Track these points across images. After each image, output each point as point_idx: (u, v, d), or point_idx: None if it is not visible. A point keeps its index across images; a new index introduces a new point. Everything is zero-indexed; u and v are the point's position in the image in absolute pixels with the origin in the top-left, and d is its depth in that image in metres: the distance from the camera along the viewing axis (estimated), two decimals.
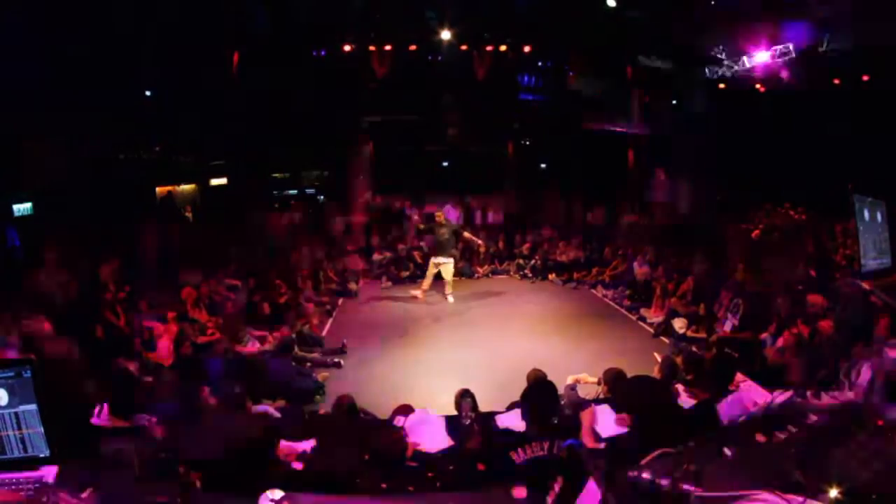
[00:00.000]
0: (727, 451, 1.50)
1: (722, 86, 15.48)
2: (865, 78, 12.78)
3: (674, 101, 15.62)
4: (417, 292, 10.23)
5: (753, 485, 1.39)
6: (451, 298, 10.16)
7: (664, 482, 1.36)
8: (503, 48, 13.74)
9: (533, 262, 12.29)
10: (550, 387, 3.64)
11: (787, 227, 13.07)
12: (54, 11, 8.89)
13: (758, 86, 14.82)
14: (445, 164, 17.59)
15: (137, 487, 2.17)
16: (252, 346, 7.24)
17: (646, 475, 1.40)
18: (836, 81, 13.08)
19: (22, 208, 10.90)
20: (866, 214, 2.64)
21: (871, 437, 1.60)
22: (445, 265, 10.06)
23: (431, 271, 10.19)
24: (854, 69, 12.23)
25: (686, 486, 1.35)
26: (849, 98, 12.81)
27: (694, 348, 6.93)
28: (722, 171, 14.61)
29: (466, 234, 10.75)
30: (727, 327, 7.47)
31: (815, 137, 13.62)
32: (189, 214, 15.23)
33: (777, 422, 1.76)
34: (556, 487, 1.93)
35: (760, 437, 1.61)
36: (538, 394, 3.43)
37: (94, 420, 2.79)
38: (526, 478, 2.33)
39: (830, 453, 1.50)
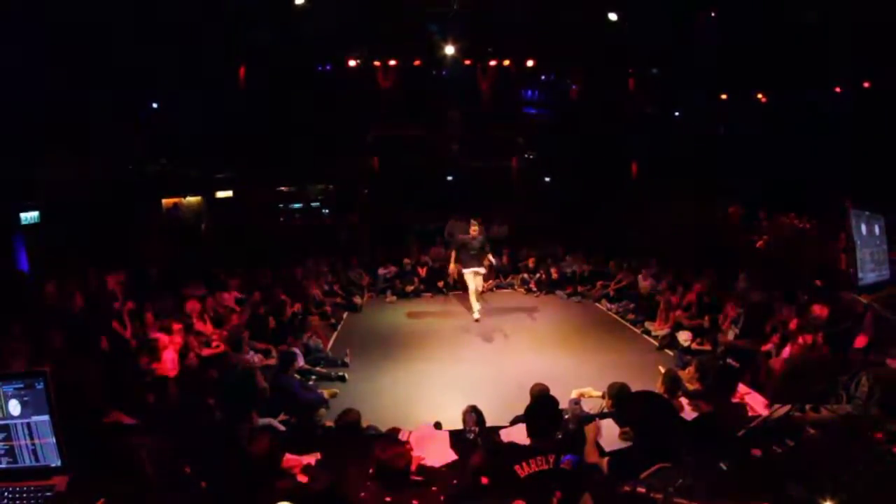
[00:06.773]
0: (722, 465, 1.52)
1: (724, 96, 15.60)
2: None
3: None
4: (477, 311, 9.86)
5: (748, 498, 1.41)
6: (476, 315, 9.85)
7: (658, 496, 1.38)
8: (506, 63, 13.85)
9: (538, 275, 12.28)
10: (552, 402, 3.67)
11: (790, 237, 13.03)
12: (61, 26, 9.03)
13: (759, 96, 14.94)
14: (450, 178, 17.66)
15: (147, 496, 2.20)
16: (256, 360, 7.28)
17: (640, 489, 1.43)
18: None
19: (29, 217, 10.97)
20: (864, 228, 2.66)
21: (868, 449, 1.61)
22: (478, 275, 9.83)
23: (469, 282, 9.80)
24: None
25: (679, 500, 1.37)
26: None
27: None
28: (726, 182, 14.65)
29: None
30: (729, 336, 7.48)
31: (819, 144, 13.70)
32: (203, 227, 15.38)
33: (775, 435, 1.78)
34: (554, 501, 1.95)
35: (756, 452, 1.63)
36: (541, 409, 3.45)
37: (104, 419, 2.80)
38: (526, 492, 2.35)
39: (827, 466, 1.52)
